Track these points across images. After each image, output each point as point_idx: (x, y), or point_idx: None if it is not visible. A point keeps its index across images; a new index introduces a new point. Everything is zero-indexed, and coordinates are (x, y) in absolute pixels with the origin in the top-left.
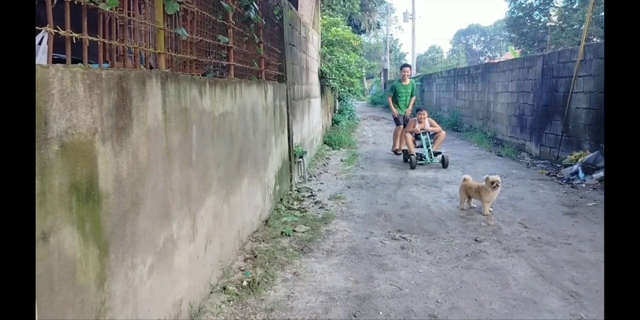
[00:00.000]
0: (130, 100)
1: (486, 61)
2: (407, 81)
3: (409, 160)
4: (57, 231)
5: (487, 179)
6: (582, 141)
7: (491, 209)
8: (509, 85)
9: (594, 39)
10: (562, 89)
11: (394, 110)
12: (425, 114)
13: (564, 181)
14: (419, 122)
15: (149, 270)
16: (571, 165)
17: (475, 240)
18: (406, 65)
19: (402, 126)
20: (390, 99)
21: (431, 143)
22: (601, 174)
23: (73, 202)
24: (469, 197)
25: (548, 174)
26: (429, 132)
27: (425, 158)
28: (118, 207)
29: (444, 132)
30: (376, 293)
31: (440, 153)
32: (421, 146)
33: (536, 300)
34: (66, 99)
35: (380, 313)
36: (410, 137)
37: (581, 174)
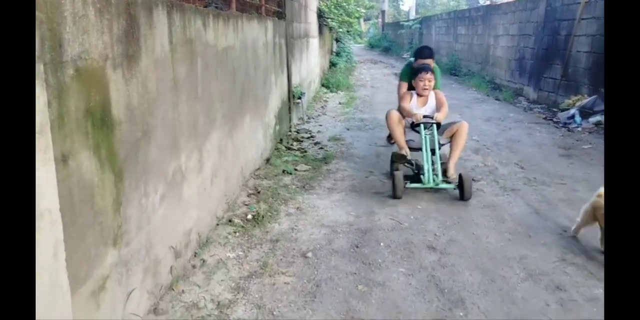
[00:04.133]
0: (138, 27)
1: (487, 3)
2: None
3: (392, 176)
4: (76, 155)
5: None
6: (580, 85)
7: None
8: (510, 28)
9: None
10: (564, 32)
11: (411, 111)
12: (431, 77)
13: (561, 125)
14: (418, 95)
15: (160, 199)
16: (568, 109)
17: (473, 179)
18: (426, 54)
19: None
20: (400, 91)
21: (439, 143)
22: (598, 118)
23: (89, 127)
24: (592, 221)
25: (545, 118)
26: (435, 122)
27: (425, 176)
28: (130, 135)
29: (465, 124)
30: (377, 226)
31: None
32: (419, 148)
33: (531, 235)
34: (78, 22)
35: (381, 244)
36: (397, 122)
37: (578, 118)
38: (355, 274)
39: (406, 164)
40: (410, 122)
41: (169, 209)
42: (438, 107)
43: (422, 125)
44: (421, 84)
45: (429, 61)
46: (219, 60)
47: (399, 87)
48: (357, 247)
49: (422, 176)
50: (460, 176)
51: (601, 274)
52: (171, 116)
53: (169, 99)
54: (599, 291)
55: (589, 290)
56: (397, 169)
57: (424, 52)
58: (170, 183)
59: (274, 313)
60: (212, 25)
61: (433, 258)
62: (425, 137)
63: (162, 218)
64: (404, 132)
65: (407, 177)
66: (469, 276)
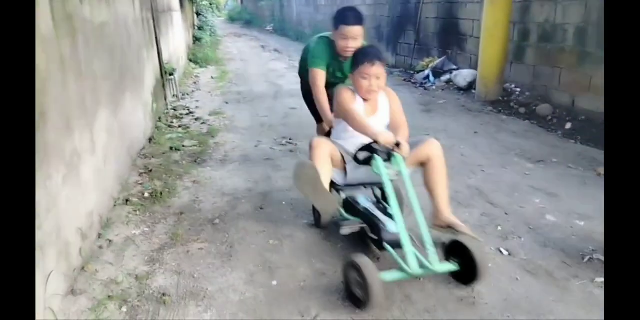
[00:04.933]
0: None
1: None
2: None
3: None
4: None
5: None
6: (431, 48)
7: None
8: None
9: None
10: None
11: (327, 110)
12: (381, 72)
13: (418, 85)
14: (364, 95)
15: (63, 181)
16: (423, 70)
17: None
18: (353, 19)
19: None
20: (318, 84)
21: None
22: (448, 76)
23: None
24: None
25: (404, 80)
26: (396, 152)
27: (408, 256)
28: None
29: (436, 144)
30: (276, 189)
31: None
32: (367, 184)
33: None
34: None
35: (284, 203)
36: (326, 159)
37: (431, 78)
38: (264, 231)
39: (352, 261)
40: (359, 146)
41: (71, 191)
42: (393, 121)
43: (377, 157)
44: (365, 83)
45: (357, 30)
46: (97, 36)
47: (314, 77)
48: (261, 208)
49: (398, 256)
50: (462, 247)
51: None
52: (62, 96)
53: (58, 77)
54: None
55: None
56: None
57: (348, 16)
58: (69, 165)
59: (195, 276)
60: (87, 0)
61: None
62: (388, 180)
63: (66, 200)
64: (341, 166)
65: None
66: None
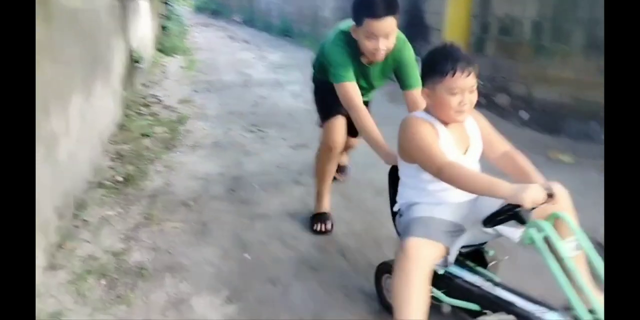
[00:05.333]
0: None
1: None
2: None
3: None
4: None
5: None
6: None
7: None
8: None
9: None
10: None
11: (380, 140)
12: (474, 83)
13: None
14: (452, 117)
15: (42, 160)
16: None
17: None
18: (382, 7)
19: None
20: (356, 104)
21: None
22: None
23: None
24: None
25: None
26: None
27: None
28: None
29: (566, 192)
30: (247, 172)
31: None
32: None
33: (376, 164)
34: None
35: (256, 186)
36: (425, 267)
37: None
38: (237, 211)
39: None
40: (481, 215)
41: (49, 171)
42: (495, 149)
43: (535, 230)
44: (454, 100)
45: (388, 24)
46: (72, 22)
47: (348, 95)
48: (233, 191)
49: None
50: None
51: None
52: (40, 79)
53: (37, 61)
54: None
55: None
56: None
57: (375, 3)
58: (47, 146)
59: (170, 252)
60: None
61: (301, 191)
62: (570, 260)
63: (44, 179)
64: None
65: None
66: (332, 198)
